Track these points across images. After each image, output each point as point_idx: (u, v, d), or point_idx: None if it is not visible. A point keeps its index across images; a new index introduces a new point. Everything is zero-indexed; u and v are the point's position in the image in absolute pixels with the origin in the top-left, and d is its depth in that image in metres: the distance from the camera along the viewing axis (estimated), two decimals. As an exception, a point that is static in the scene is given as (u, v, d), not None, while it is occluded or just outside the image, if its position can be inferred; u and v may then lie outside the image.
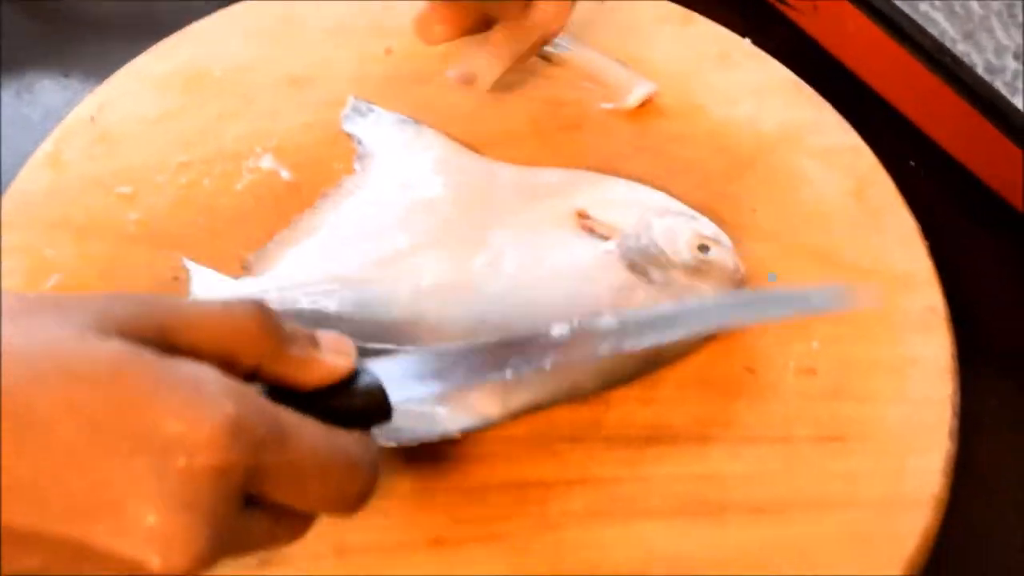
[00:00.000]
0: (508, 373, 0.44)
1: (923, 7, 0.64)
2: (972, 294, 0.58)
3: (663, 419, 0.52)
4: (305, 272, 0.55)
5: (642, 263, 0.54)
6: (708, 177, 0.61)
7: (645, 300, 0.53)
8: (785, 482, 0.50)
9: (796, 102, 0.64)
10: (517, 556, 0.49)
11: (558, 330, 0.45)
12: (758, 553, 0.48)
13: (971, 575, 0.52)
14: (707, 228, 0.56)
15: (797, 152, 0.62)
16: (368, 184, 0.59)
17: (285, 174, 0.60)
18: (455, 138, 0.61)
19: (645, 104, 0.63)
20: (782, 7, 0.71)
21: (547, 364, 0.44)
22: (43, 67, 0.69)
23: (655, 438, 0.52)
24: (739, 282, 0.55)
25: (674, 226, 0.56)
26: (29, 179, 0.59)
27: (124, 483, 0.34)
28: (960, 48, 0.63)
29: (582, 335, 0.45)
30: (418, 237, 0.56)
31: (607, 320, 0.45)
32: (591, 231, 0.56)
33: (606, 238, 0.55)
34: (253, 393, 0.37)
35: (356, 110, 0.62)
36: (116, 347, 0.35)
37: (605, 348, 0.45)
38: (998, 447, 0.55)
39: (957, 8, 0.65)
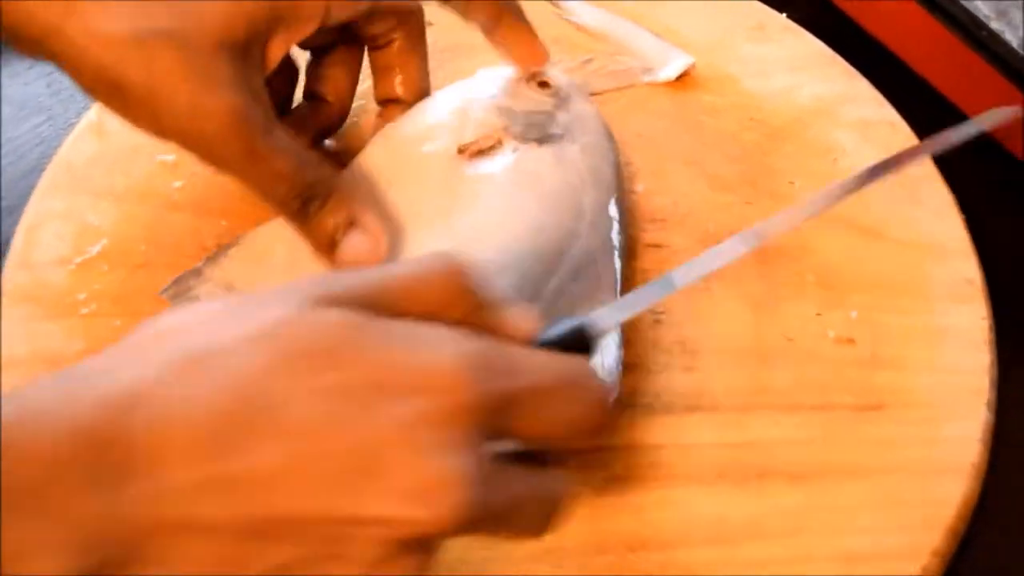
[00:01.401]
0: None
1: (957, -17, 0.65)
2: (1006, 269, 0.59)
3: (704, 387, 0.52)
4: None
5: (534, 133, 0.55)
6: (745, 150, 0.61)
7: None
8: (824, 449, 0.51)
9: (831, 75, 0.65)
10: (559, 519, 0.49)
11: None
12: (797, 518, 0.49)
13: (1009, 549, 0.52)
14: (506, 70, 0.57)
15: (833, 125, 0.62)
16: None
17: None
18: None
19: (681, 77, 0.64)
20: (816, -20, 0.71)
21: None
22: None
23: (696, 406, 0.52)
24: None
25: (503, 89, 0.56)
26: (75, 148, 0.60)
27: (375, 442, 0.34)
28: (994, 26, 0.63)
29: None
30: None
31: None
32: (480, 154, 0.55)
33: (493, 147, 0.55)
34: (475, 334, 0.37)
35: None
36: (340, 314, 0.35)
37: None
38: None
39: (991, -15, 0.65)
